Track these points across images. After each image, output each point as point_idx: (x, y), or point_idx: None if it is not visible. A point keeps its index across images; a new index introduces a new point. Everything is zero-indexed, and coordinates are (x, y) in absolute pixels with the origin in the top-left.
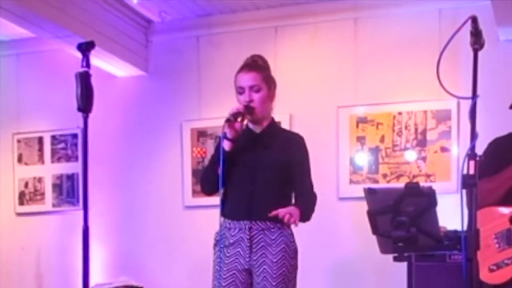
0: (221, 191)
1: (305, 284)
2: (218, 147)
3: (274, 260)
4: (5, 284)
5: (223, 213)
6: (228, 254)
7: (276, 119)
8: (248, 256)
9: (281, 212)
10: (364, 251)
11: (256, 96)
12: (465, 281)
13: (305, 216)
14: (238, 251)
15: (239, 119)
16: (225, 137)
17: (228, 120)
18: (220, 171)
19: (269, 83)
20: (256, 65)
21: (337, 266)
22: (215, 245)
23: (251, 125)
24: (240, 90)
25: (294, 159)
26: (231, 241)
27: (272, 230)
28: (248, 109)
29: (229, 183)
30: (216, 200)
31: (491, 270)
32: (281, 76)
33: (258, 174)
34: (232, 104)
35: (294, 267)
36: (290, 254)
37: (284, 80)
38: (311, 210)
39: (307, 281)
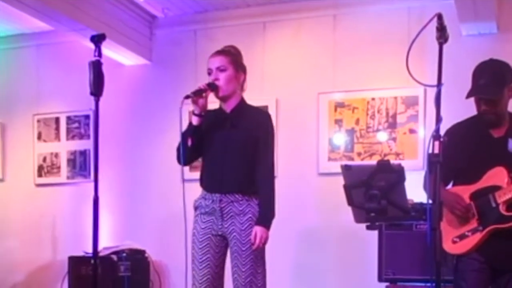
0: (182, 164)
1: (289, 251)
2: (190, 123)
3: (242, 228)
4: (25, 246)
5: (202, 184)
6: (204, 221)
7: (264, 103)
8: (220, 224)
9: (255, 244)
10: (341, 220)
11: (221, 75)
12: (429, 247)
13: (271, 219)
14: (212, 219)
15: (204, 95)
16: (192, 113)
17: (187, 97)
18: (189, 143)
19: (236, 66)
20: (225, 50)
21: (316, 232)
22: (194, 210)
23: (222, 105)
24: (208, 71)
25: (259, 136)
26: (206, 210)
27: (241, 202)
28: (210, 86)
29: (204, 159)
30: None
31: (454, 242)
32: (268, 66)
33: (227, 151)
34: None
35: None
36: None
37: (271, 69)
38: (273, 209)
39: (290, 248)
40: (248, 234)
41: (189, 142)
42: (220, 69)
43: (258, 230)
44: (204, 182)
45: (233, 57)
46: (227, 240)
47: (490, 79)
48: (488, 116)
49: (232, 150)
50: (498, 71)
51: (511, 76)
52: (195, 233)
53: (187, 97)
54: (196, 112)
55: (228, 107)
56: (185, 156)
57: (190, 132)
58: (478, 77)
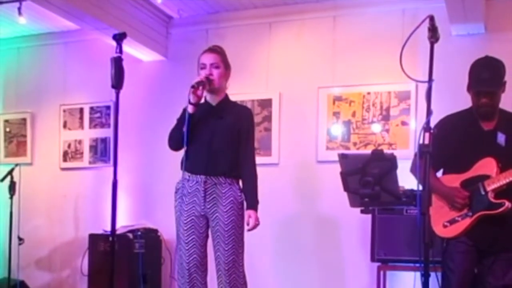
0: (185, 148)
1: (292, 232)
2: (184, 111)
3: (224, 210)
4: (50, 224)
5: (185, 167)
6: (186, 202)
7: (268, 96)
8: (203, 204)
9: (251, 225)
10: (337, 204)
11: (215, 71)
12: (419, 230)
13: (258, 204)
14: (195, 200)
15: (200, 87)
16: (189, 102)
17: (193, 87)
18: (185, 129)
19: (226, 65)
20: (217, 49)
21: (316, 215)
22: (175, 192)
23: (209, 99)
24: (202, 66)
25: (242, 128)
26: (189, 191)
27: (223, 185)
28: (207, 80)
29: (191, 144)
30: None
31: (444, 226)
32: (273, 62)
33: (213, 138)
34: (232, 85)
35: (242, 216)
36: (238, 205)
37: (276, 65)
38: (257, 194)
39: (293, 229)
40: (230, 215)
41: (184, 129)
42: (214, 66)
43: (252, 213)
44: (189, 165)
45: (223, 56)
46: (208, 220)
47: (491, 73)
48: (485, 109)
49: (217, 137)
50: (496, 67)
51: (505, 72)
52: (179, 215)
53: (193, 86)
54: (192, 101)
55: (214, 101)
56: (181, 141)
57: (184, 119)
58: (479, 71)
